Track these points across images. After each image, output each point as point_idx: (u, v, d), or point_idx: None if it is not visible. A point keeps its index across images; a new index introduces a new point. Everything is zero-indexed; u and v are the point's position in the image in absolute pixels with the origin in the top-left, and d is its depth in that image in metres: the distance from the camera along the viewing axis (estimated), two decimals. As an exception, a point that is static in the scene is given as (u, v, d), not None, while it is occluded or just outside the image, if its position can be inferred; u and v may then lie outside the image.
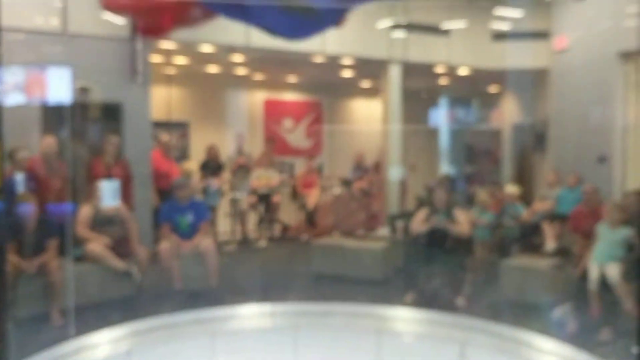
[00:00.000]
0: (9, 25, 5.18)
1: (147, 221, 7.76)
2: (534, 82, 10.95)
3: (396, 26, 9.03)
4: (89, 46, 7.24)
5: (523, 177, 11.62)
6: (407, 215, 8.63)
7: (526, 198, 10.11)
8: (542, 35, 10.09)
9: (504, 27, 10.00)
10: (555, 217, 8.33)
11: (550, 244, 7.79)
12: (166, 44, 8.18)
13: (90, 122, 7.74)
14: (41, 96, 6.51)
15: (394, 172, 9.84)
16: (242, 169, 9.43)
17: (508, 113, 12.55)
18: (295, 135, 12.83)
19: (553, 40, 9.99)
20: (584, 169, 8.63)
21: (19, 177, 5.96)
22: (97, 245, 6.23)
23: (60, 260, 5.90)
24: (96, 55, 7.35)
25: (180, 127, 10.93)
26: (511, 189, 7.99)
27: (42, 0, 6.86)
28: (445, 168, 12.37)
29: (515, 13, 9.80)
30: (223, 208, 9.50)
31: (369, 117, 12.90)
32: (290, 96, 12.98)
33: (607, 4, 8.31)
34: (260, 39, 8.48)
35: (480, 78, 11.50)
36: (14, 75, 5.48)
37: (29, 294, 5.72)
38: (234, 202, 9.41)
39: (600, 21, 8.18)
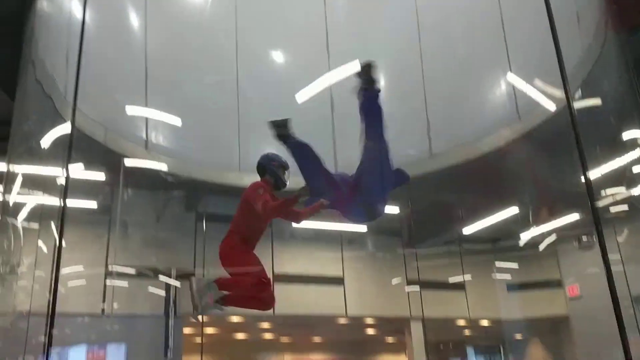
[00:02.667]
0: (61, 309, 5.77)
1: None
2: (556, 329, 11.06)
3: (411, 284, 9.55)
4: (128, 324, 7.73)
5: None
6: None
7: None
8: (554, 283, 10.53)
9: (516, 278, 10.47)
10: None
11: None
12: (198, 317, 8.69)
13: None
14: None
15: None
16: None
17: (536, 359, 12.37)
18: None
19: (566, 288, 10.39)
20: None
21: None
22: None
23: None
24: (135, 332, 7.79)
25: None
26: None
27: (90, 285, 7.56)
28: None
29: (524, 264, 10.35)
30: None
31: (397, 373, 12.72)
32: (316, 356, 13.02)
33: (612, 250, 8.84)
34: (285, 306, 9.02)
35: (503, 327, 11.62)
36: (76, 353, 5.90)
37: None
38: None
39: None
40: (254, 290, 3.77)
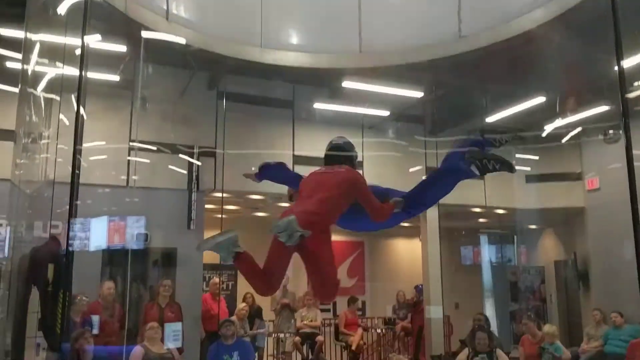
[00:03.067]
0: (86, 181, 5.96)
1: (196, 362, 7.99)
2: (571, 220, 11.19)
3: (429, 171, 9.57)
4: (152, 197, 7.99)
5: (570, 315, 11.47)
6: (451, 355, 8.63)
7: (574, 337, 9.98)
8: (574, 176, 10.51)
9: (535, 169, 10.44)
10: (604, 357, 8.22)
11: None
12: (219, 194, 8.92)
13: (148, 267, 8.30)
14: (116, 243, 7.17)
15: (436, 311, 9.90)
16: (286, 310, 9.69)
17: (549, 250, 12.67)
18: (338, 274, 13.09)
19: (586, 181, 10.38)
20: (629, 306, 8.57)
21: (94, 318, 6.40)
22: (149, 385, 6.47)
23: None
24: (157, 205, 8.07)
25: (229, 269, 11.42)
26: (549, 328, 8.01)
27: (114, 159, 7.74)
28: (489, 306, 12.30)
29: (545, 156, 10.29)
30: (267, 349, 9.64)
31: (410, 256, 13.17)
32: (333, 237, 13.45)
33: (637, 144, 8.72)
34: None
35: (518, 217, 11.79)
36: (94, 224, 6.18)
37: None
38: (278, 342, 9.58)
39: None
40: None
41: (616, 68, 3.95)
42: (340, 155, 3.70)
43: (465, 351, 7.09)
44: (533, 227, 12.89)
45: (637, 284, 4.23)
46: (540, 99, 8.38)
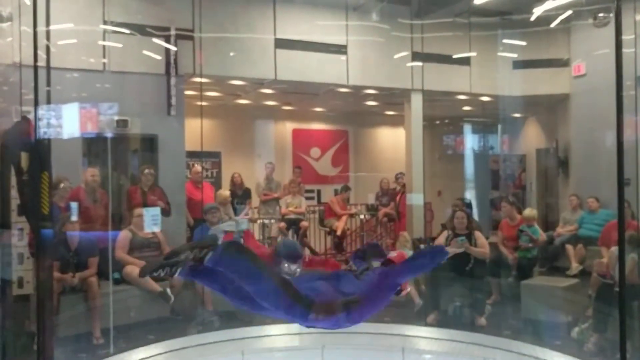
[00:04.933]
0: (58, 65, 5.72)
1: (181, 246, 8.13)
2: (555, 107, 11.15)
3: (415, 57, 9.34)
4: (128, 82, 7.75)
5: (548, 201, 11.75)
6: (430, 239, 8.89)
7: (550, 222, 10.28)
8: (561, 62, 10.32)
9: (523, 55, 10.23)
10: (578, 240, 8.50)
11: (574, 266, 7.99)
12: (199, 79, 8.69)
13: (128, 154, 8.23)
14: (89, 130, 7.03)
15: (417, 198, 10.06)
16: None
17: (531, 138, 12.74)
18: (322, 163, 13.21)
19: (572, 67, 10.21)
20: (605, 192, 8.75)
21: (73, 205, 6.42)
22: (135, 268, 6.63)
23: (100, 283, 6.33)
24: (134, 90, 7.84)
25: (212, 157, 11.42)
26: (530, 212, 8.21)
27: (86, 41, 7.40)
28: (470, 194, 12.55)
29: (533, 41, 10.04)
30: (253, 234, 9.84)
31: (394, 144, 13.20)
32: (317, 125, 13.41)
33: (627, 30, 8.51)
34: (286, 72, 8.96)
35: (503, 104, 11.72)
36: (65, 111, 6.00)
37: (72, 315, 6.13)
38: (264, 228, 9.78)
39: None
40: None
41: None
42: None
43: (445, 233, 7.29)
44: (517, 115, 12.86)
45: (615, 170, 4.26)
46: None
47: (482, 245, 7.10)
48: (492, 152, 13.49)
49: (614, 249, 5.83)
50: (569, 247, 8.44)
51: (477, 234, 7.16)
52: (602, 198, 8.64)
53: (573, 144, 10.50)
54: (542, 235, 8.05)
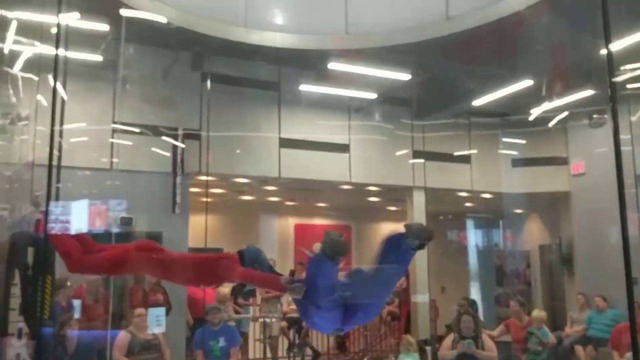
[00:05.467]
0: (68, 163, 5.84)
1: (182, 348, 7.94)
2: (556, 204, 11.24)
3: (416, 155, 9.54)
4: (135, 180, 7.87)
5: (554, 299, 11.56)
6: (437, 340, 8.66)
7: (557, 321, 10.06)
8: (560, 160, 10.53)
9: (522, 153, 10.44)
10: (588, 340, 8.29)
11: (586, 368, 7.73)
12: (204, 177, 8.82)
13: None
14: (98, 226, 7.06)
15: (422, 296, 9.92)
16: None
17: (534, 234, 12.73)
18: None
19: (571, 165, 10.41)
20: (612, 290, 8.63)
21: (76, 303, 6.32)
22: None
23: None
24: (141, 188, 7.94)
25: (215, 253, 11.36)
26: (538, 313, 8.04)
27: (96, 140, 7.60)
28: (475, 290, 12.37)
29: (532, 140, 10.29)
30: (254, 333, 9.62)
31: (397, 240, 13.15)
32: (320, 221, 13.45)
33: (623, 130, 8.73)
34: (290, 170, 9.13)
35: (504, 201, 11.81)
36: (74, 207, 6.05)
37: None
38: (265, 327, 9.55)
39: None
40: None
41: (604, 52, 3.90)
42: None
43: (451, 336, 7.11)
44: (519, 211, 12.93)
45: (622, 269, 4.22)
46: (527, 82, 8.34)
47: (490, 349, 6.90)
48: (496, 247, 13.43)
49: (629, 355, 5.67)
50: (578, 348, 8.22)
51: (484, 336, 6.99)
52: (609, 297, 8.51)
53: (577, 241, 10.49)
54: (552, 338, 7.83)
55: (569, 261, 10.76)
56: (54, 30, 3.77)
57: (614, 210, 4.30)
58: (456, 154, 10.18)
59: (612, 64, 3.97)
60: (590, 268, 9.74)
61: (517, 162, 10.44)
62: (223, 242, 11.56)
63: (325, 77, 8.68)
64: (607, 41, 3.83)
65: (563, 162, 10.53)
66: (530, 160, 10.39)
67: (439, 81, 8.56)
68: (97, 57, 7.32)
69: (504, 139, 10.19)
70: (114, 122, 7.75)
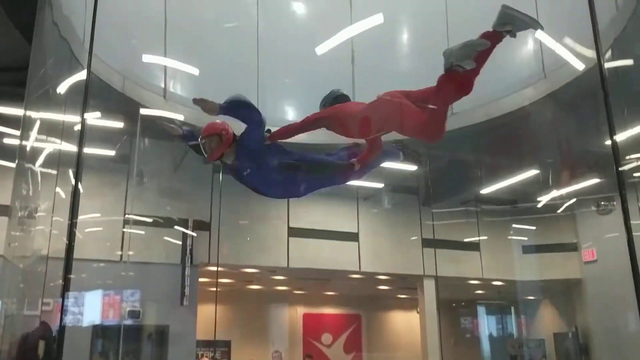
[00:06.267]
0: (80, 255, 5.86)
1: None
2: (569, 291, 11.07)
3: (425, 243, 9.53)
4: (144, 272, 7.85)
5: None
6: None
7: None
8: (570, 246, 10.48)
9: (532, 240, 10.41)
10: None
11: None
12: (213, 267, 8.79)
13: (140, 344, 8.06)
14: (111, 318, 7.00)
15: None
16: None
17: (548, 322, 12.44)
18: (334, 350, 12.80)
19: (582, 252, 10.35)
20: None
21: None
22: None
23: None
24: (149, 280, 7.92)
25: (222, 345, 11.12)
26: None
27: (107, 233, 7.66)
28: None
29: (541, 226, 10.28)
30: None
31: (408, 328, 12.90)
32: (329, 310, 13.24)
33: (632, 216, 8.72)
34: (299, 260, 9.11)
35: (516, 288, 11.65)
36: (87, 298, 6.05)
37: None
38: None
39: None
40: None
41: (608, 142, 4.00)
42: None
43: None
44: (531, 298, 12.71)
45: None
46: (533, 172, 8.47)
47: None
48: (510, 335, 13.09)
49: None
50: None
51: None
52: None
53: (593, 330, 10.25)
54: None
55: (585, 351, 10.46)
56: (76, 127, 3.92)
57: (629, 297, 4.25)
58: (466, 240, 10.16)
59: (618, 153, 4.06)
60: (609, 358, 9.46)
61: (528, 249, 10.39)
62: (230, 333, 11.38)
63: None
64: (612, 132, 3.93)
65: (573, 248, 10.47)
66: (540, 246, 10.34)
67: (446, 171, 8.70)
68: (111, 152, 7.52)
69: (514, 225, 10.21)
70: (126, 214, 7.84)
